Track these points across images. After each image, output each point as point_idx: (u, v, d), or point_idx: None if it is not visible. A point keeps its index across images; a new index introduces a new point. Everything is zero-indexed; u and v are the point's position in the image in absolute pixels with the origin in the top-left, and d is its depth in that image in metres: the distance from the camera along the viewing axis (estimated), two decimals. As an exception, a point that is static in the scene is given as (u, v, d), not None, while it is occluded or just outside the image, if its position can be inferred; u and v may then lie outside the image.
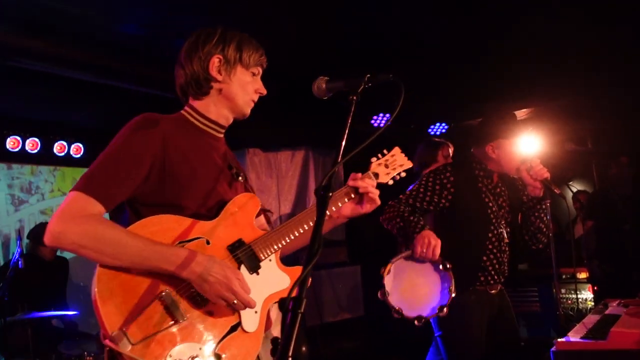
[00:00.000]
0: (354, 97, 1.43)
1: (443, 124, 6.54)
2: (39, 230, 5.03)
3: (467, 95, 5.84)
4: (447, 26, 4.25)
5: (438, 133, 6.56)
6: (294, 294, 0.95)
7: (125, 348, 1.40)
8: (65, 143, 5.84)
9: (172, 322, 1.48)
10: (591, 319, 2.52)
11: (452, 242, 2.80)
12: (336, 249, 6.41)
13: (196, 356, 1.46)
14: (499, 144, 2.94)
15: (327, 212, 1.71)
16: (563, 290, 5.33)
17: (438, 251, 2.64)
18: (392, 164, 2.06)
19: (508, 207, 3.06)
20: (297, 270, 1.81)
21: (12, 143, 5.51)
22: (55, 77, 4.28)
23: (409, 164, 2.09)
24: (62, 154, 5.84)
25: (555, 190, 2.85)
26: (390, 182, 2.04)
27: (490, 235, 2.91)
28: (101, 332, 1.43)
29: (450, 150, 4.19)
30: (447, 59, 4.93)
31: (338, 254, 6.42)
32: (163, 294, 1.49)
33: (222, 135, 1.84)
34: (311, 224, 1.79)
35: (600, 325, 2.32)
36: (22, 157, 5.65)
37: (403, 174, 2.08)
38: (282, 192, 5.99)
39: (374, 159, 2.03)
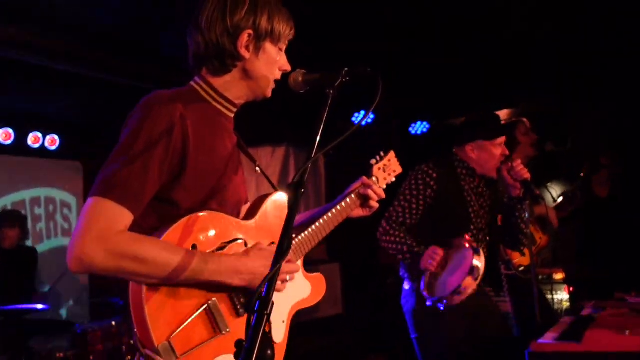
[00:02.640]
0: (331, 91, 1.39)
1: (424, 122, 6.55)
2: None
3: (449, 94, 5.86)
4: (430, 24, 4.24)
5: (419, 132, 6.56)
6: (261, 292, 0.91)
7: None
8: (40, 134, 5.71)
9: (215, 333, 1.41)
10: (566, 320, 2.53)
11: (430, 239, 2.85)
12: (317, 246, 6.36)
13: None
14: (478, 145, 2.97)
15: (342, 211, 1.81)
16: (539, 291, 5.37)
17: (437, 257, 2.72)
18: (388, 169, 2.07)
19: (488, 207, 3.05)
20: (318, 278, 1.82)
21: (-16, 133, 5.39)
22: (31, 67, 4.18)
23: (400, 170, 2.12)
24: (37, 145, 5.70)
25: (535, 191, 2.86)
26: (384, 187, 2.05)
27: (469, 233, 2.91)
28: (138, 339, 1.32)
29: (528, 124, 4.03)
30: (429, 57, 4.92)
31: (318, 251, 6.38)
32: (209, 302, 1.41)
33: (233, 116, 1.64)
34: (331, 226, 1.81)
35: (575, 327, 2.32)
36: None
37: (393, 179, 2.10)
38: (261, 189, 5.93)
39: (373, 162, 2.03)
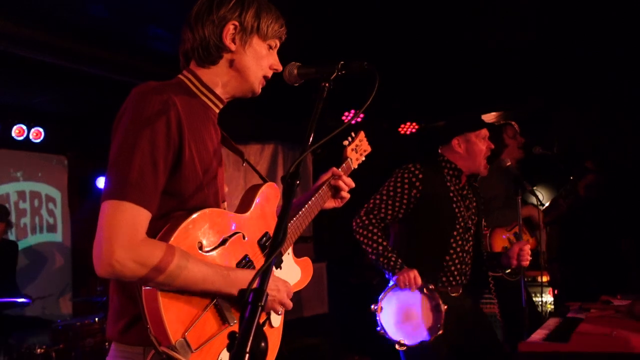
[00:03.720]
0: (326, 84, 1.37)
1: (413, 124, 6.57)
2: None
3: (438, 96, 5.88)
4: (420, 25, 4.25)
5: (408, 132, 6.58)
6: (254, 284, 0.89)
7: (187, 356, 1.33)
8: (24, 127, 5.61)
9: (224, 326, 1.45)
10: (553, 322, 2.54)
11: (416, 240, 2.89)
12: (303, 246, 6.38)
13: None
14: (465, 138, 2.98)
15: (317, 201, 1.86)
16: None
17: (419, 280, 2.69)
18: (360, 149, 2.13)
19: (475, 209, 3.07)
20: (305, 261, 1.86)
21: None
22: (16, 58, 4.10)
23: (370, 149, 2.17)
24: (21, 138, 5.60)
25: (528, 187, 2.91)
26: (356, 167, 2.11)
27: (455, 233, 2.91)
28: (153, 337, 1.32)
29: (516, 127, 4.06)
30: (419, 59, 4.93)
31: (305, 250, 6.38)
32: (217, 298, 1.44)
33: (218, 111, 1.63)
34: (307, 221, 1.84)
35: (562, 328, 2.33)
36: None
37: (364, 159, 2.16)
38: (249, 184, 5.91)
39: (346, 142, 2.07)
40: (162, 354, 1.31)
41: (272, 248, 0.99)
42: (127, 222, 1.29)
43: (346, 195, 1.94)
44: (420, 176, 2.89)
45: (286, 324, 1.72)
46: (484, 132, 3.02)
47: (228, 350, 0.80)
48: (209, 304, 1.42)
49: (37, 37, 3.91)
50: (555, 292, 5.14)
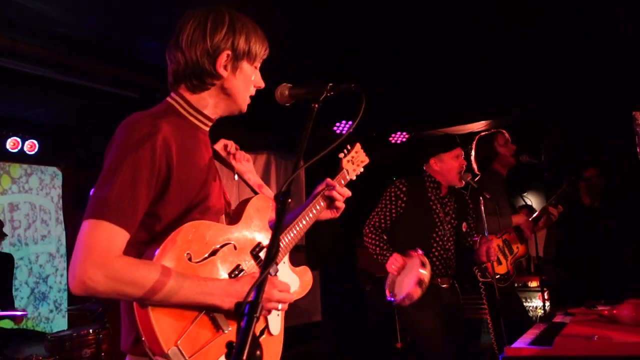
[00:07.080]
0: (316, 105, 1.45)
1: (404, 133, 6.65)
2: None
3: (428, 106, 5.97)
4: (408, 36, 4.34)
5: (399, 142, 6.66)
6: (250, 297, 0.96)
7: None
8: (19, 139, 5.64)
9: (218, 333, 1.46)
10: (539, 327, 2.62)
11: (402, 242, 3.43)
12: (296, 254, 6.41)
13: None
14: (440, 158, 3.50)
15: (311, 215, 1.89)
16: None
17: (398, 263, 3.29)
18: (356, 160, 2.16)
19: (454, 214, 3.58)
20: (304, 270, 1.91)
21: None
22: (11, 71, 4.15)
23: (367, 160, 2.21)
24: (16, 150, 5.64)
25: (486, 196, 3.37)
26: (354, 178, 2.12)
27: (434, 235, 3.45)
28: (147, 347, 1.36)
29: (507, 135, 4.23)
30: (409, 69, 5.02)
31: (297, 259, 6.42)
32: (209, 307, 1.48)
33: (208, 129, 1.69)
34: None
35: (547, 333, 2.41)
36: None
37: (362, 170, 2.18)
38: (242, 196, 5.96)
39: (341, 155, 2.10)
40: None
41: (265, 263, 1.05)
42: (101, 241, 1.33)
43: (341, 205, 1.97)
44: (404, 189, 3.50)
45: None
46: (457, 151, 3.50)
47: (227, 358, 0.86)
48: (201, 312, 1.45)
49: (31, 50, 3.96)
50: (546, 295, 5.21)
